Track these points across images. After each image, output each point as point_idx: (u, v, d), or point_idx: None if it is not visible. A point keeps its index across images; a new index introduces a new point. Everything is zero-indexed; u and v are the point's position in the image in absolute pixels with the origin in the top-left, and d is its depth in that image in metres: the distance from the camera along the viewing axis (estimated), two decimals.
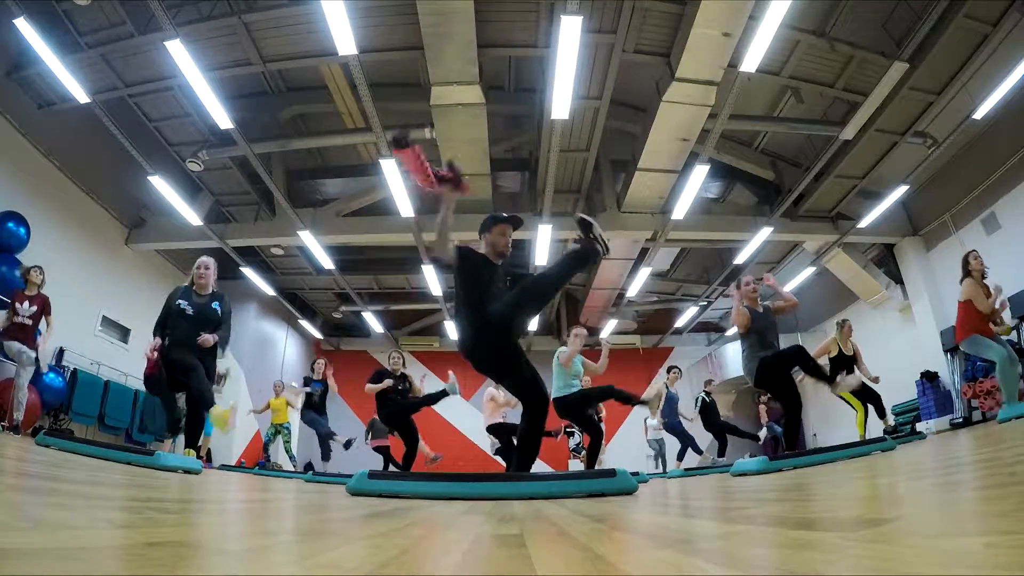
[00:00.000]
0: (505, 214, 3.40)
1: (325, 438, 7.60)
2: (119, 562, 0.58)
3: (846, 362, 6.48)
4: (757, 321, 4.93)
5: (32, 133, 7.54)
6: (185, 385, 4.25)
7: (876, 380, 6.53)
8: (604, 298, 12.55)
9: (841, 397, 6.58)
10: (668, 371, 8.81)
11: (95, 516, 1.00)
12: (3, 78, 7.10)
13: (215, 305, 4.55)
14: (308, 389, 7.68)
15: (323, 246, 9.74)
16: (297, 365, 14.51)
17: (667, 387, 8.54)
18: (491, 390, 7.37)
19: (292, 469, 9.06)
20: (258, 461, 9.14)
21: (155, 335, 4.46)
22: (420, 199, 9.07)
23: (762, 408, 10.49)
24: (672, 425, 8.46)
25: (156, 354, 4.55)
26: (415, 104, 7.66)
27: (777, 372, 4.73)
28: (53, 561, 0.54)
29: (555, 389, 5.46)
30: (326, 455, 7.66)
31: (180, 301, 4.39)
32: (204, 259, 4.68)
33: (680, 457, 8.55)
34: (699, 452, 8.61)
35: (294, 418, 8.82)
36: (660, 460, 9.71)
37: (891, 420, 6.82)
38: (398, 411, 6.28)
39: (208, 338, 4.32)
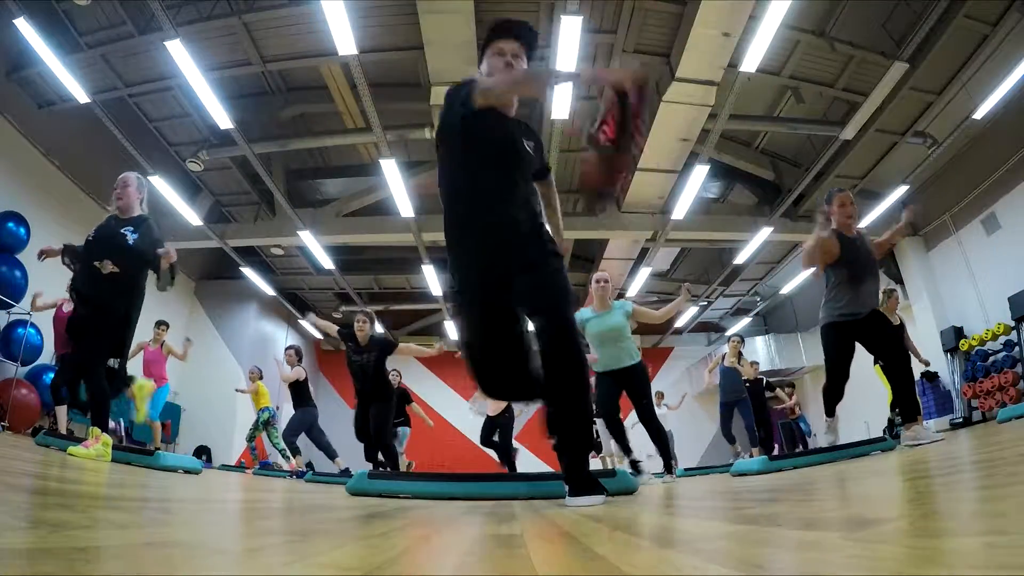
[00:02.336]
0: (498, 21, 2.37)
1: (325, 448, 7.15)
2: (119, 562, 0.58)
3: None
4: (848, 252, 3.53)
5: (32, 133, 7.54)
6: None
7: (927, 363, 5.96)
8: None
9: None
10: (728, 340, 7.83)
11: (95, 516, 1.00)
12: (3, 78, 7.10)
13: (125, 230, 3.51)
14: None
15: (323, 246, 9.74)
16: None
17: (724, 358, 7.62)
18: None
19: (283, 467, 8.00)
20: (260, 461, 9.05)
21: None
22: (419, 199, 9.07)
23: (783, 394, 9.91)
24: (734, 403, 7.39)
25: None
26: (415, 104, 7.67)
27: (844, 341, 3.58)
28: (53, 561, 0.53)
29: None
30: (331, 454, 7.25)
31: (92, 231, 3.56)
32: (123, 175, 3.74)
33: (755, 443, 7.36)
34: (731, 442, 7.55)
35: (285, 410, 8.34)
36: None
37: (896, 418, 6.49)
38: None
39: (105, 263, 3.32)
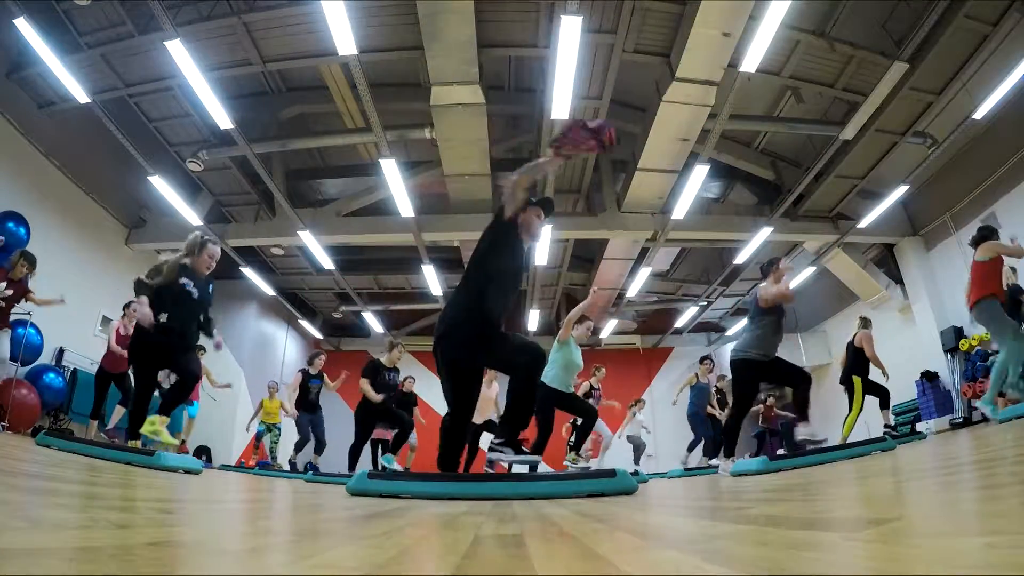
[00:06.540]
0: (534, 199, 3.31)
1: (320, 446, 7.66)
2: (119, 562, 0.58)
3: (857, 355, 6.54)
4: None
5: (32, 133, 7.54)
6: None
7: (885, 376, 6.61)
8: (604, 298, 12.55)
9: (848, 390, 6.55)
10: (701, 361, 8.59)
11: (95, 516, 1.00)
12: (3, 78, 7.10)
13: (211, 288, 4.46)
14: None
15: (323, 246, 9.74)
16: (297, 365, 14.50)
17: (697, 378, 8.32)
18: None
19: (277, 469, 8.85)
20: (259, 461, 9.07)
21: (151, 307, 3.98)
22: (420, 200, 9.07)
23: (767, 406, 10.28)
24: (692, 415, 8.24)
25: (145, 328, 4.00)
26: (415, 104, 7.67)
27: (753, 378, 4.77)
28: (53, 561, 0.54)
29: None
30: (320, 449, 7.71)
31: (184, 280, 4.16)
32: (215, 248, 4.50)
33: (690, 449, 8.27)
34: (708, 455, 7.99)
35: (287, 422, 8.71)
36: (635, 460, 9.06)
37: (891, 419, 6.80)
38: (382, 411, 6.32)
39: (220, 340, 4.55)
